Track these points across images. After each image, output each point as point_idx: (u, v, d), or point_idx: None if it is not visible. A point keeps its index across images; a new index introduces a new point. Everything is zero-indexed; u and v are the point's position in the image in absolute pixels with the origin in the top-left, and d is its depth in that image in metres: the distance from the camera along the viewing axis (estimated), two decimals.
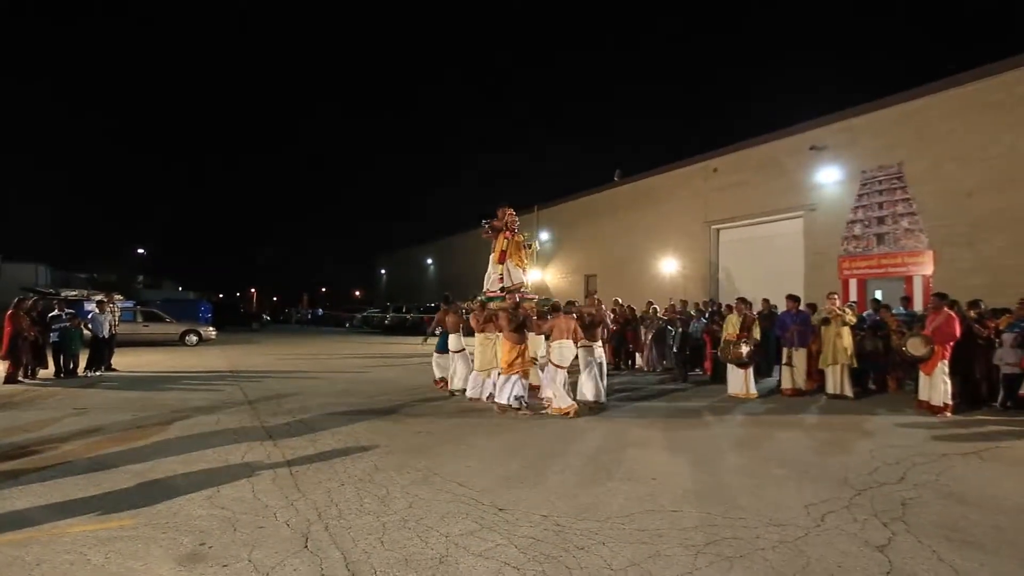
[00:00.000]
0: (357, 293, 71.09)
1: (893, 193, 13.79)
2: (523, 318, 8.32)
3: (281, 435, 6.42)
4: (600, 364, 8.64)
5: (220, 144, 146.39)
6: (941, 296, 8.32)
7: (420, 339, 10.90)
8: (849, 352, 9.26)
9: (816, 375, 9.89)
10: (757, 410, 8.41)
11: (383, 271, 59.53)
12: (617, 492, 4.56)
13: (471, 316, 9.32)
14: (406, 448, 5.91)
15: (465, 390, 9.28)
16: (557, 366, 7.92)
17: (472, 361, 9.41)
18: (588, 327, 8.59)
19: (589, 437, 6.58)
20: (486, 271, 10.79)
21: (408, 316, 29.74)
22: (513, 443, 6.26)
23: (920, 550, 3.51)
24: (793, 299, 9.98)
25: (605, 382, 8.74)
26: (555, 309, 8.36)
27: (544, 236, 30.35)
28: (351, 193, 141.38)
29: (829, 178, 15.28)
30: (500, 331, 8.41)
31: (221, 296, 66.75)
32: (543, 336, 8.69)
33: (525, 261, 10.78)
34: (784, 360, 9.70)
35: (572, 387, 8.33)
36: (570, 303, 9.11)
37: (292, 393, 9.48)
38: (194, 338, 20.19)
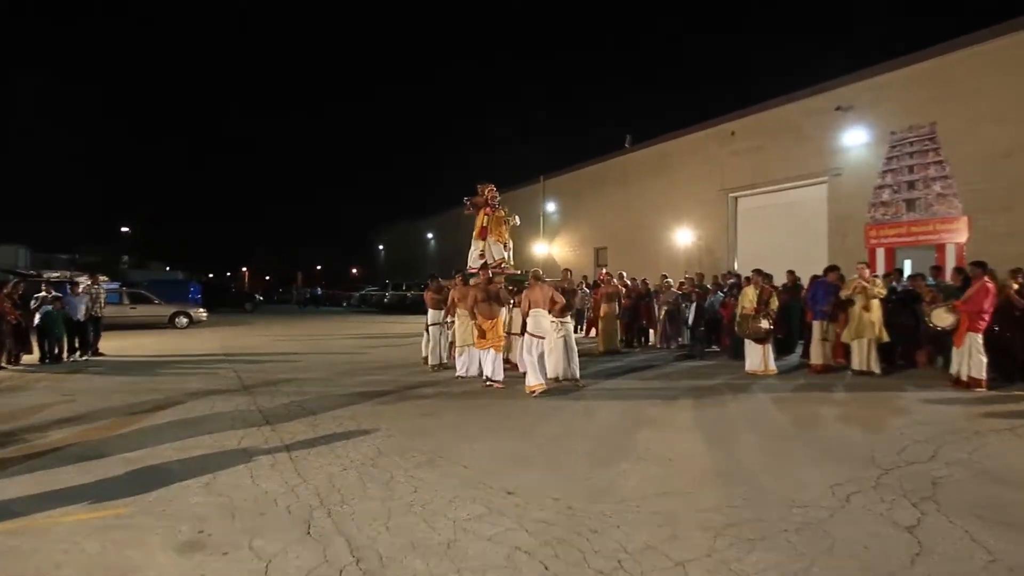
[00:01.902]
0: (354, 271, 71.33)
1: (925, 155, 13.59)
2: (496, 292, 8.71)
3: (279, 419, 6.48)
4: (567, 339, 8.60)
5: (209, 116, 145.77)
6: (978, 265, 8.24)
7: (422, 318, 11.20)
8: (877, 326, 9.21)
9: (841, 350, 9.88)
10: (777, 387, 8.43)
11: (381, 247, 59.54)
12: (631, 474, 4.60)
13: (451, 292, 9.66)
14: (409, 431, 5.96)
15: (440, 364, 10.07)
16: (532, 335, 8.11)
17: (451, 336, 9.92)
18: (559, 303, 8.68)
19: (600, 417, 6.62)
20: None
21: (408, 294, 29.83)
22: (521, 424, 6.30)
23: (951, 530, 3.53)
24: (832, 269, 10.00)
25: (576, 358, 8.70)
26: (536, 278, 8.53)
27: (551, 207, 30.23)
28: (348, 169, 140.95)
29: (855, 140, 15.07)
30: (473, 306, 8.75)
31: (211, 276, 67.07)
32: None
33: (506, 236, 11.12)
34: (822, 335, 9.65)
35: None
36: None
37: (289, 376, 9.55)
38: (184, 320, 20.30)
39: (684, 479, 4.48)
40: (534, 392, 7.80)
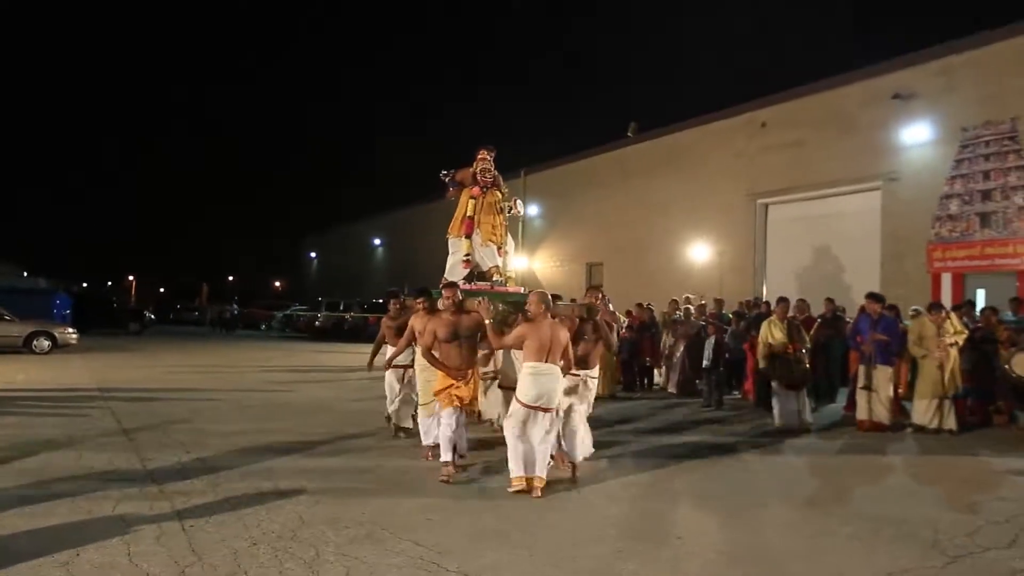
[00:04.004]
0: (277, 284, 70.95)
1: (1004, 158, 13.91)
2: (471, 327, 6.90)
3: (169, 477, 6.35)
4: (590, 402, 7.29)
5: (78, 70, 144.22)
6: None
7: (365, 348, 10.46)
8: (958, 375, 9.28)
9: (899, 404, 9.99)
10: (816, 447, 8.53)
11: (313, 255, 59.39)
12: (629, 555, 4.59)
13: (413, 319, 7.89)
14: (343, 494, 5.90)
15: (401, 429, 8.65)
16: (524, 405, 6.19)
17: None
18: (582, 342, 6.99)
19: (591, 482, 6.60)
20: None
21: (348, 316, 29.86)
22: (488, 489, 6.27)
23: None
24: (875, 299, 10.02)
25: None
26: (542, 304, 6.42)
27: (533, 210, 30.38)
28: (269, 153, 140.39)
29: (917, 137, 15.44)
30: (431, 346, 6.99)
31: (85, 285, 65.90)
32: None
33: (501, 233, 9.41)
34: (861, 382, 9.71)
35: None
36: (554, 297, 7.35)
37: (185, 420, 9.40)
38: (46, 343, 19.96)
39: (696, 563, 4.48)
40: (519, 489, 6.08)
